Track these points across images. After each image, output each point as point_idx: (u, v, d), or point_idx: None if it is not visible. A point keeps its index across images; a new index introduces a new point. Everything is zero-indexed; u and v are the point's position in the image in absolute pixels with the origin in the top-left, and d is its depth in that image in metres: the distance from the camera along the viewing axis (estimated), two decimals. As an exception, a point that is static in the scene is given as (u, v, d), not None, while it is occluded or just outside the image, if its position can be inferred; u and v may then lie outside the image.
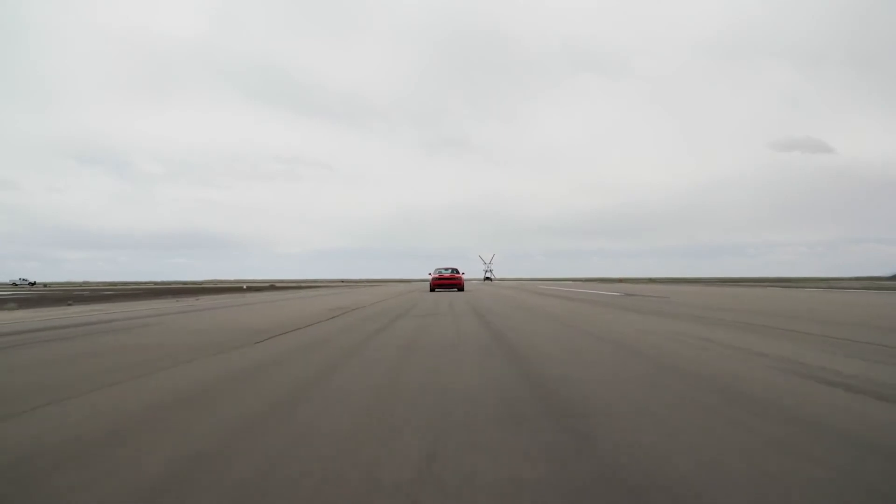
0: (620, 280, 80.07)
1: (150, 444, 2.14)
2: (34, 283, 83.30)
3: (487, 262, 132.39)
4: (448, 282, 25.67)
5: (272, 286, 55.02)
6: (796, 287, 27.24)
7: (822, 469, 1.78)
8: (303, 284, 67.59)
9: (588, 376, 3.42)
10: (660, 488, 1.64)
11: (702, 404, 2.64)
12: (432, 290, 25.06)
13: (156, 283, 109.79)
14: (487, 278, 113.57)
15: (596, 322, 7.42)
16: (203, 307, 13.47)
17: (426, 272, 28.23)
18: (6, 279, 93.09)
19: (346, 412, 2.59)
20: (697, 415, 2.46)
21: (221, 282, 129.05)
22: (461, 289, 25.50)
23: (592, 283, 46.37)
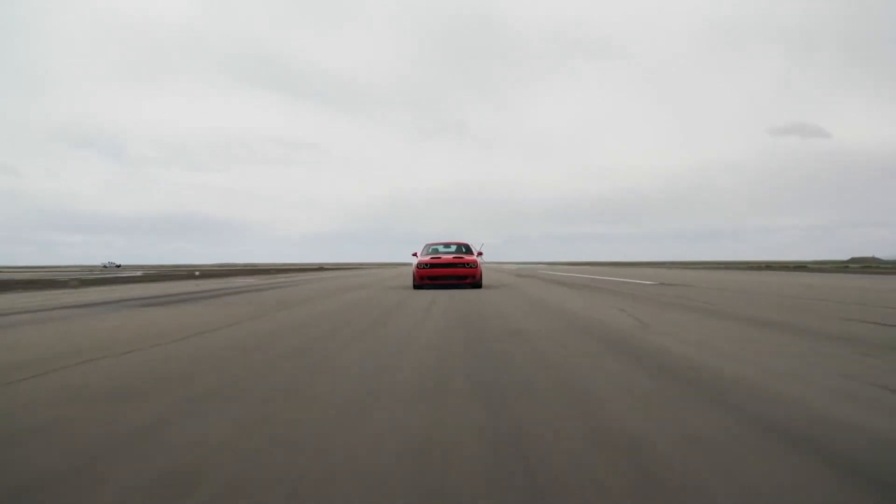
0: (589, 263, 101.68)
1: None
2: (120, 266, 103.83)
3: (478, 248, 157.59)
4: (450, 273, 15.45)
5: (321, 267, 75.68)
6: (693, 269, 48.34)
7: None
8: (313, 267, 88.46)
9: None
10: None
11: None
12: (418, 286, 15.24)
13: (229, 265, 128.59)
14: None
15: (490, 276, 28.57)
16: (359, 274, 34.36)
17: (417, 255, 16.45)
18: (91, 264, 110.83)
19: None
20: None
21: (283, 265, 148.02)
22: (476, 283, 15.32)
23: (541, 265, 67.61)
